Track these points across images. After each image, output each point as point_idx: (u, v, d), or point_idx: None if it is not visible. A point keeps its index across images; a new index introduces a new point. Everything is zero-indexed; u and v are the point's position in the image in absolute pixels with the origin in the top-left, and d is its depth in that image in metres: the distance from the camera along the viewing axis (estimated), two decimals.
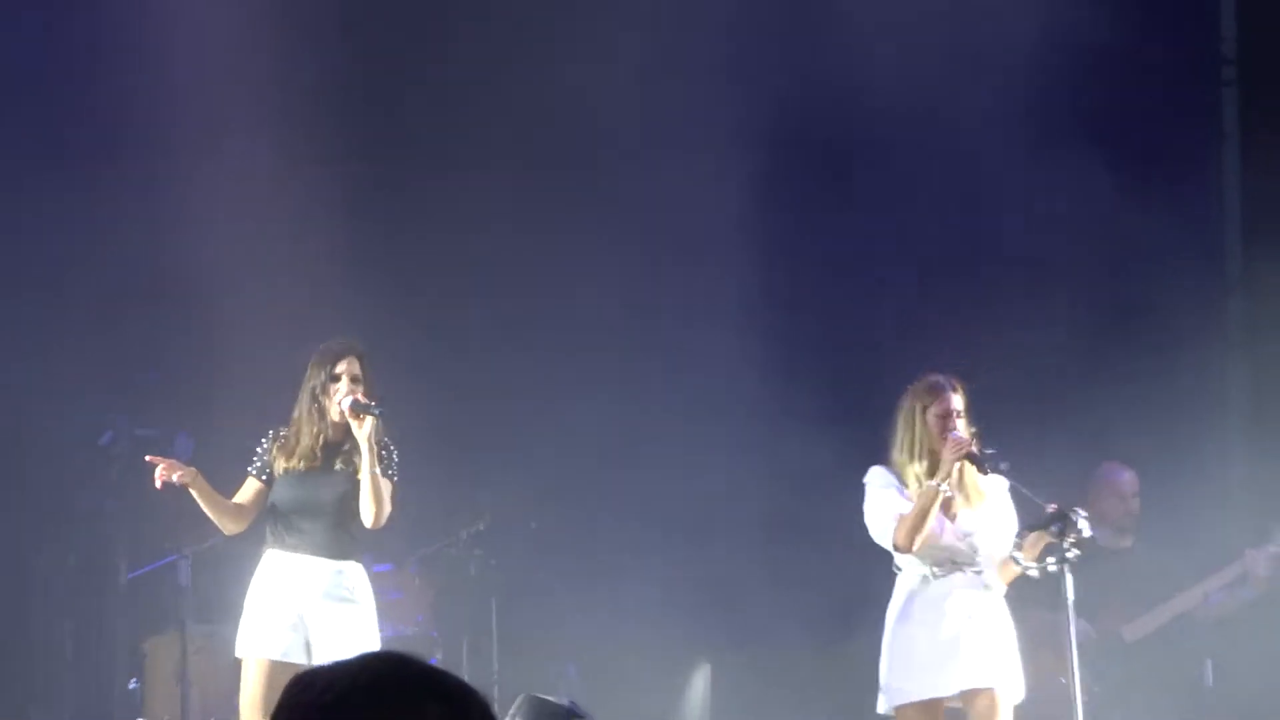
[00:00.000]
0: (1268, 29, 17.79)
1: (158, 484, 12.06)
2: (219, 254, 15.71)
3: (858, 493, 12.85)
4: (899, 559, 12.46)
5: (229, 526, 12.35)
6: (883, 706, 12.61)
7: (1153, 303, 16.65)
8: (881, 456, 12.87)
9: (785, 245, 17.80)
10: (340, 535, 12.33)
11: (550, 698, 9.49)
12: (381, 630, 13.59)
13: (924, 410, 12.52)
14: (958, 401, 12.60)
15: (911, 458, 12.39)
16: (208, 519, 12.46)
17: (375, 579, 14.08)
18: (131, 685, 14.69)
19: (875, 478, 12.55)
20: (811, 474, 15.27)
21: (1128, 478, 14.75)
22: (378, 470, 12.19)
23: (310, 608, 12.24)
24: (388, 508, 12.33)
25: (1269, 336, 16.53)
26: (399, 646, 4.51)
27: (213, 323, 15.69)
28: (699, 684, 16.19)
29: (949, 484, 12.34)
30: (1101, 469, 14.93)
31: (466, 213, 16.97)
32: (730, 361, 16.81)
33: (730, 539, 16.31)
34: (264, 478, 12.32)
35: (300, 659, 12.02)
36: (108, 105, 17.01)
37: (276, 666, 12.04)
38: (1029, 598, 13.44)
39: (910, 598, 12.44)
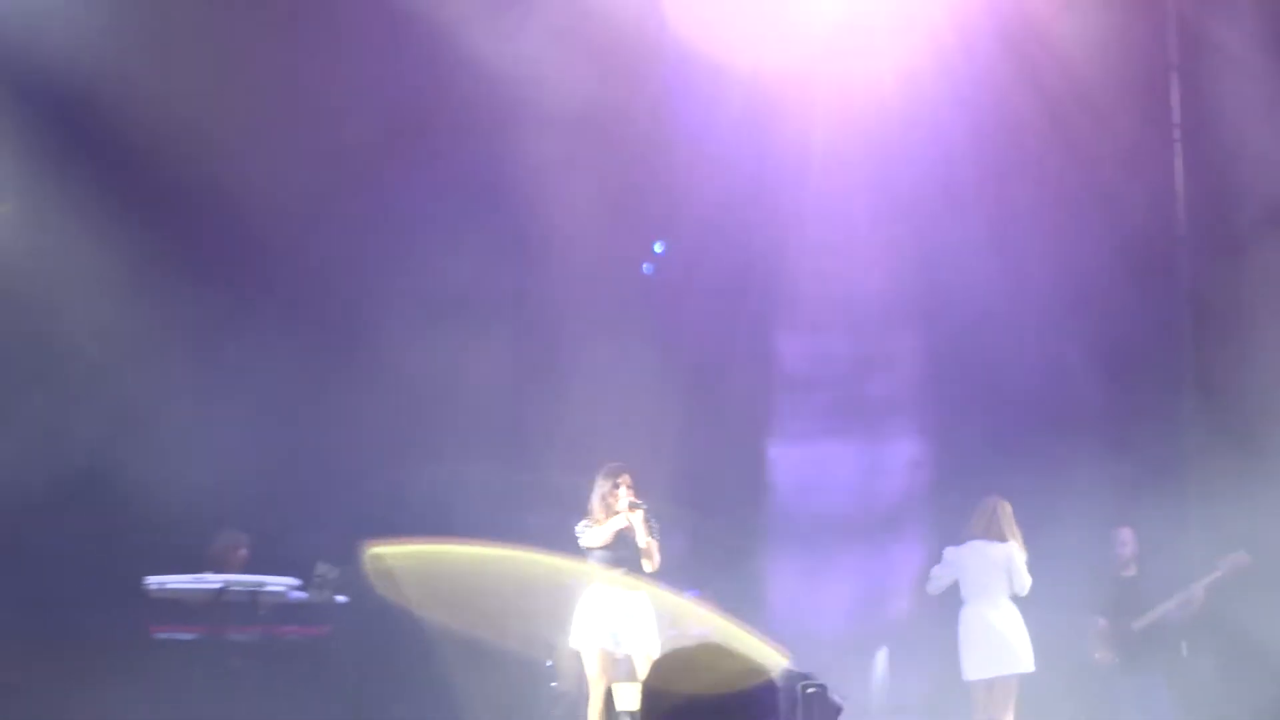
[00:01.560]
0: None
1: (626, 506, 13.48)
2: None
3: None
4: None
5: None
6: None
7: (1134, 431, 16.58)
8: None
9: None
10: (629, 576, 13.63)
11: (794, 669, 10.23)
12: (699, 630, 14.93)
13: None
14: None
15: None
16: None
17: (690, 601, 15.41)
18: (548, 663, 15.17)
19: None
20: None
21: (1127, 534, 15.84)
22: (649, 538, 13.51)
23: (617, 617, 13.51)
24: (657, 557, 13.57)
25: (1216, 436, 16.31)
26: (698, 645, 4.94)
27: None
28: (881, 661, 16.32)
29: None
30: (1114, 531, 15.87)
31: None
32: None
33: (895, 559, 16.24)
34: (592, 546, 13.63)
35: (611, 647, 13.42)
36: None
37: (599, 651, 13.41)
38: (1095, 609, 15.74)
39: None
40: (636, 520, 13.48)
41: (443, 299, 16.02)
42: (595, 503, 13.66)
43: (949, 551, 14.80)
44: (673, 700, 4.20)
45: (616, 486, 13.61)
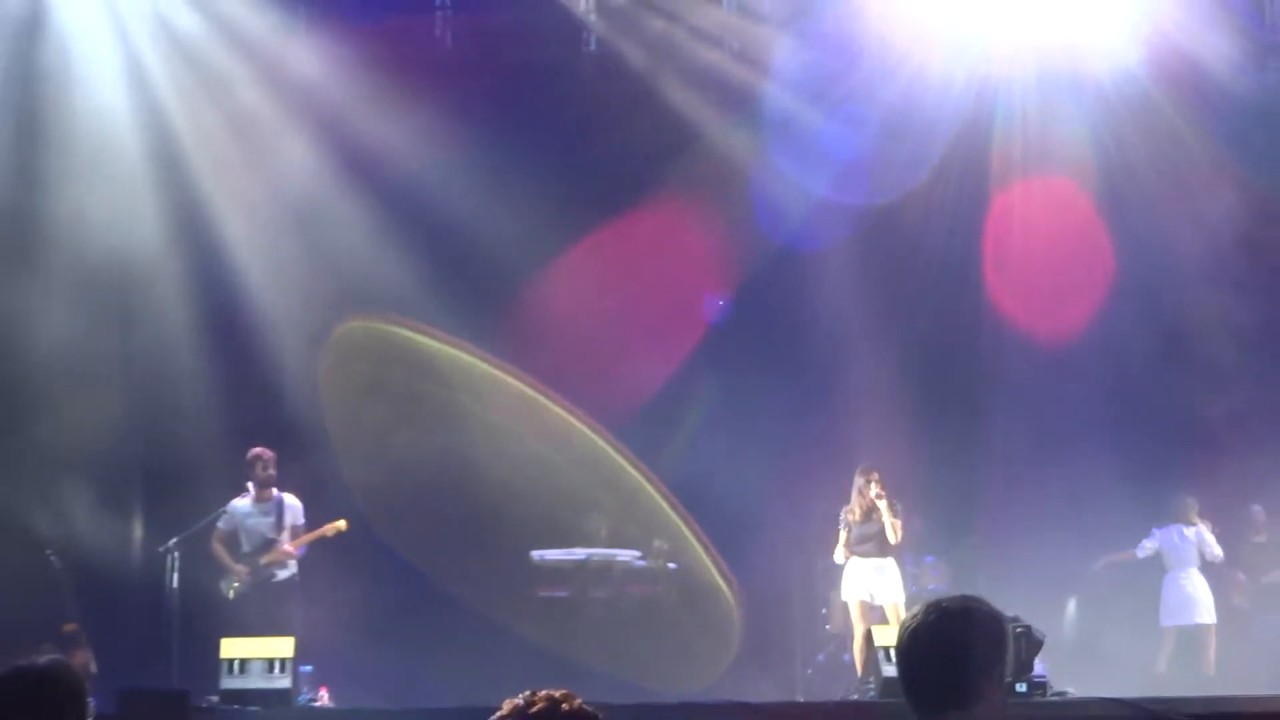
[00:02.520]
0: None
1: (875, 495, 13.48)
2: None
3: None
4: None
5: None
6: None
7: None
8: None
9: None
10: (880, 547, 13.60)
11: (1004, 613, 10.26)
12: (934, 587, 14.95)
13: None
14: None
15: None
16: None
17: (928, 567, 15.44)
18: (823, 610, 15.29)
19: None
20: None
21: (1258, 510, 15.80)
22: (892, 519, 13.46)
23: (872, 577, 13.54)
24: (900, 533, 13.51)
25: None
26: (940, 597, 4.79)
27: None
28: (1071, 608, 15.99)
29: None
30: (1248, 507, 15.78)
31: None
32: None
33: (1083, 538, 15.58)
34: (846, 530, 13.59)
35: (868, 599, 13.47)
36: None
37: (861, 603, 13.51)
38: (1235, 565, 15.62)
39: None
40: (883, 506, 13.57)
41: None
42: (853, 494, 13.76)
43: (1156, 531, 15.39)
44: (919, 631, 4.13)
45: (869, 482, 13.67)
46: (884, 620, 13.26)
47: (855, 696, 11.79)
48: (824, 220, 15.91)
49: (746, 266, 16.03)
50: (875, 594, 13.63)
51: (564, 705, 3.69)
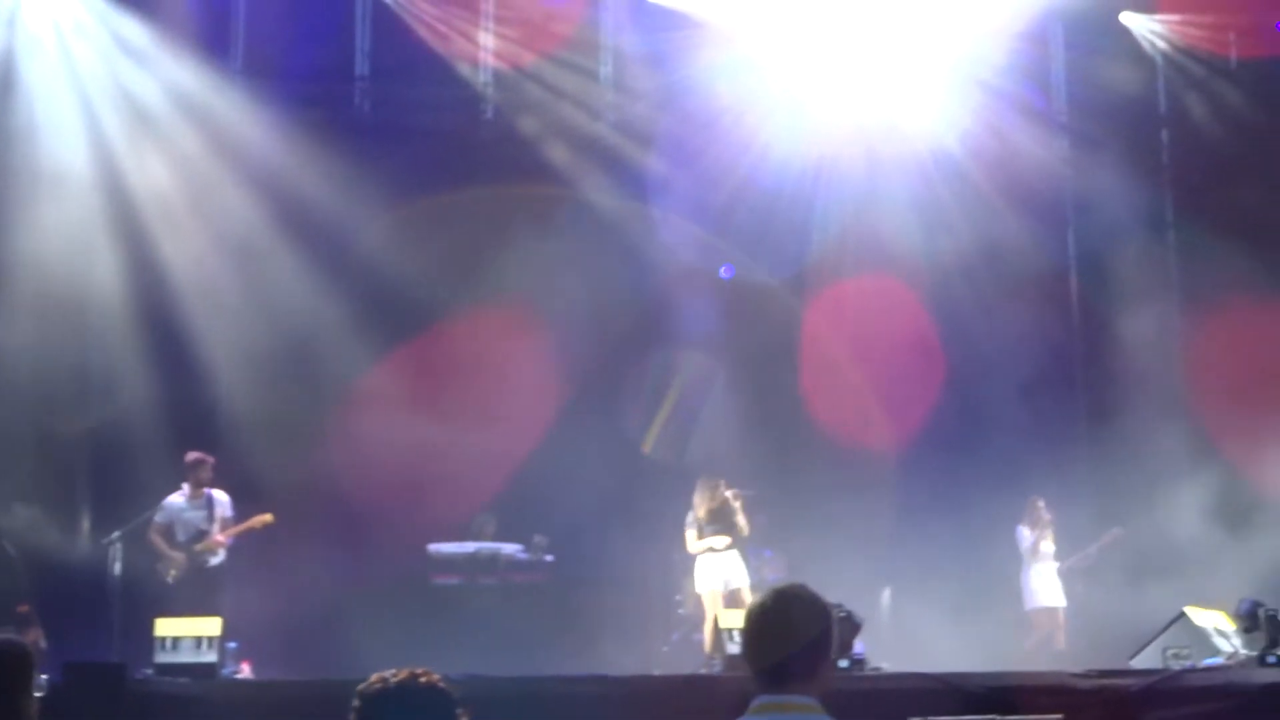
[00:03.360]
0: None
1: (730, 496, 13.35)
2: None
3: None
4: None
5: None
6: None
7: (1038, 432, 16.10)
8: None
9: None
10: (732, 540, 13.48)
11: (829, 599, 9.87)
12: (772, 576, 14.26)
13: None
14: None
15: None
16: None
17: (767, 560, 14.89)
18: (677, 596, 14.79)
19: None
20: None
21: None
22: (743, 516, 13.44)
23: (725, 568, 13.37)
24: (749, 528, 13.49)
25: (1107, 439, 15.97)
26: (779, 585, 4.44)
27: None
28: (885, 598, 15.73)
29: None
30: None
31: None
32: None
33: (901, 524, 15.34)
34: (695, 529, 13.50)
35: (719, 588, 13.24)
36: None
37: (710, 590, 13.29)
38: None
39: None
40: (739, 505, 13.49)
41: None
42: (695, 499, 13.66)
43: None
44: (762, 614, 4.17)
45: (716, 486, 13.62)
46: (736, 603, 13.03)
47: (704, 671, 11.71)
48: (687, 276, 16.18)
49: (628, 309, 15.95)
50: (728, 581, 13.49)
51: (422, 679, 3.78)
